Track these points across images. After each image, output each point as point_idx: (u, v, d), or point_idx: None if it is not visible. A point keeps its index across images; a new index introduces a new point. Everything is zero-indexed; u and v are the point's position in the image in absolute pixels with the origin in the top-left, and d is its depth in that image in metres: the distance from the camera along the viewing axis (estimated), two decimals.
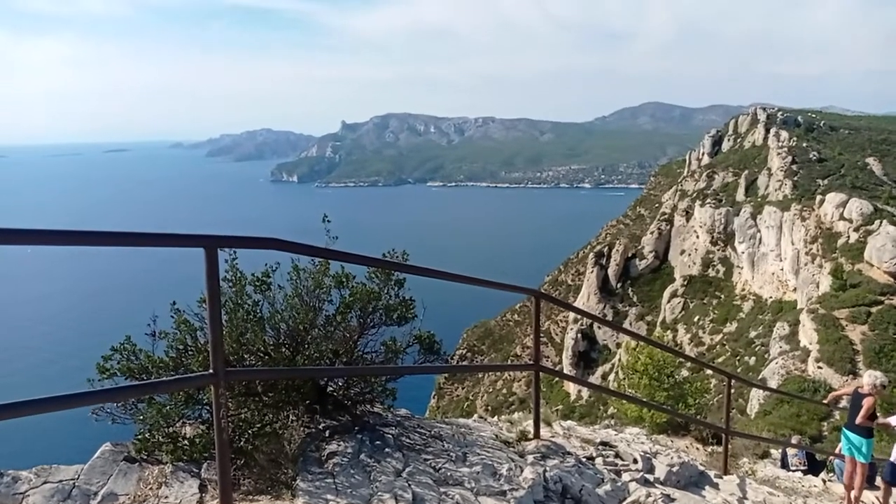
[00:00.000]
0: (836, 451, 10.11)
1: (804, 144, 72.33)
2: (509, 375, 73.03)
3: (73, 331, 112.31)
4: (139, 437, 4.52)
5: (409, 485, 4.62)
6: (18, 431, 54.57)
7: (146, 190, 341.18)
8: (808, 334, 38.52)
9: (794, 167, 65.65)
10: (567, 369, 67.51)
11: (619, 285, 76.44)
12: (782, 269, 58.41)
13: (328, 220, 5.51)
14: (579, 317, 71.81)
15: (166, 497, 4.14)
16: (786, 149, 69.87)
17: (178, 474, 4.39)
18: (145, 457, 4.51)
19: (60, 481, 4.12)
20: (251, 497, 4.29)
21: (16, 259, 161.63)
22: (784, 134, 75.21)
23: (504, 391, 73.44)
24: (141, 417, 4.58)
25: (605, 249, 79.88)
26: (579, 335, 71.99)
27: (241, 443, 4.57)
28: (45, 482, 4.08)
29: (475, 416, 9.10)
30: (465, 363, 66.33)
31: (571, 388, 66.47)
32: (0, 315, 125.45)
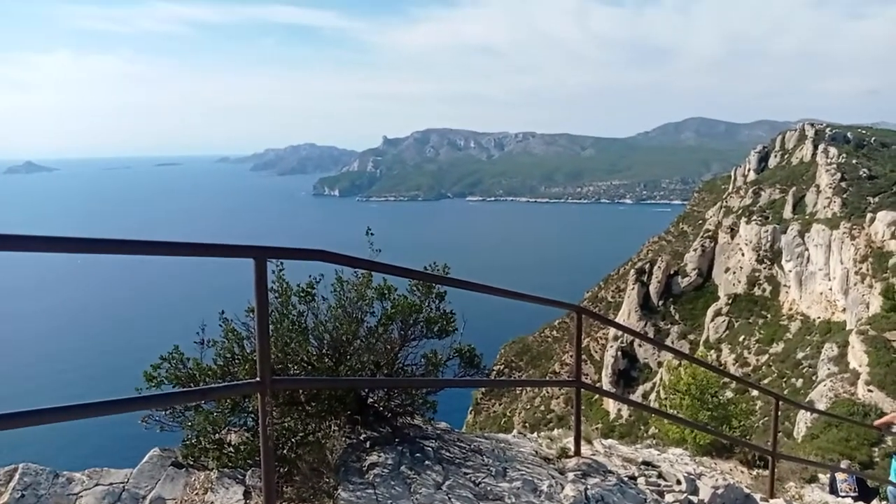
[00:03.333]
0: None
1: (854, 161, 70.49)
2: (547, 392, 72.26)
3: (122, 341, 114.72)
4: (186, 442, 4.62)
5: (450, 498, 4.62)
6: (64, 432, 56.08)
7: (195, 202, 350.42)
8: (857, 356, 37.34)
9: (844, 184, 64.02)
10: (607, 388, 66.48)
11: (660, 303, 75.17)
12: (831, 289, 56.78)
13: (371, 234, 5.58)
14: (620, 334, 70.78)
15: (212, 502, 4.23)
16: (835, 165, 68.19)
17: (223, 480, 4.47)
18: (192, 462, 4.61)
19: (111, 484, 4.24)
20: None
21: (64, 268, 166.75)
22: (833, 150, 73.41)
23: (542, 408, 72.69)
24: (189, 424, 4.69)
25: (647, 266, 78.76)
26: (619, 353, 70.94)
27: (285, 451, 4.63)
28: (97, 484, 4.21)
29: (514, 431, 9.04)
30: (503, 378, 65.94)
31: (611, 406, 65.46)
32: (50, 325, 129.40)
